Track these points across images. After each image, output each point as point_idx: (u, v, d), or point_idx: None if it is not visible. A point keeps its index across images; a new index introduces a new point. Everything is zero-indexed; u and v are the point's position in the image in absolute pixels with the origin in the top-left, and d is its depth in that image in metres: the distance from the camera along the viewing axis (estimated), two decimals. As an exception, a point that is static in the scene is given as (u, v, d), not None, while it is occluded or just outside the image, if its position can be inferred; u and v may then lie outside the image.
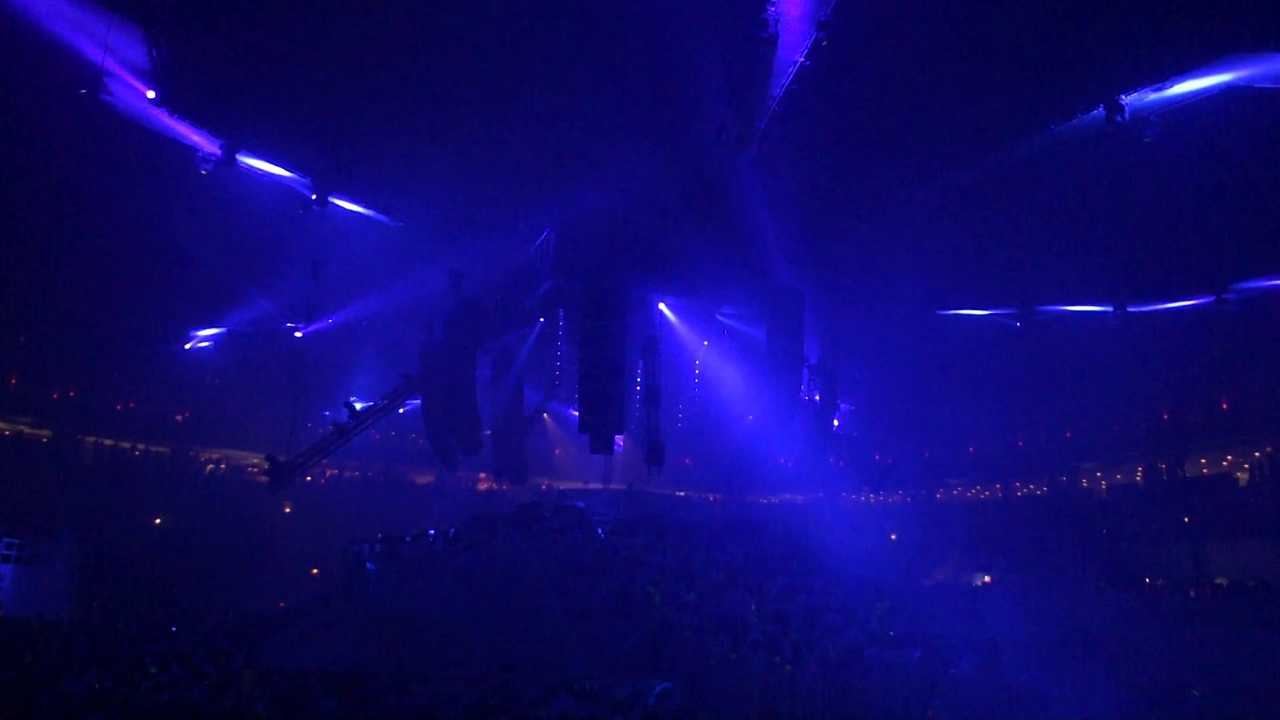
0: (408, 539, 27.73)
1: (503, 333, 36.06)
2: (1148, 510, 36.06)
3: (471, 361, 33.91)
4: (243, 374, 42.55)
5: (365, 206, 33.07)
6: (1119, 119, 23.32)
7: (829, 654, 20.03)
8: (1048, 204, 30.40)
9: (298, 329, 38.91)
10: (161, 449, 42.64)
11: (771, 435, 32.28)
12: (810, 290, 32.20)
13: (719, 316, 36.61)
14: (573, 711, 15.25)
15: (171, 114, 26.87)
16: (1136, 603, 26.83)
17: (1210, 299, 30.68)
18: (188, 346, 40.90)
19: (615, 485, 39.48)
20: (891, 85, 26.26)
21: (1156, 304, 32.40)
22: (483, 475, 44.34)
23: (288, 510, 40.75)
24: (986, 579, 33.90)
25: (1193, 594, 27.46)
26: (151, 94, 26.14)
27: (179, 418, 43.60)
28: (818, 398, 33.97)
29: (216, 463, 44.26)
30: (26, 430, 38.73)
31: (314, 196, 31.03)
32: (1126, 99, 23.24)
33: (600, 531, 29.02)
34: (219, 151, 28.38)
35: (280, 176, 30.71)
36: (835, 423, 35.45)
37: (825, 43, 21.16)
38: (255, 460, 40.79)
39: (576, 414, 30.21)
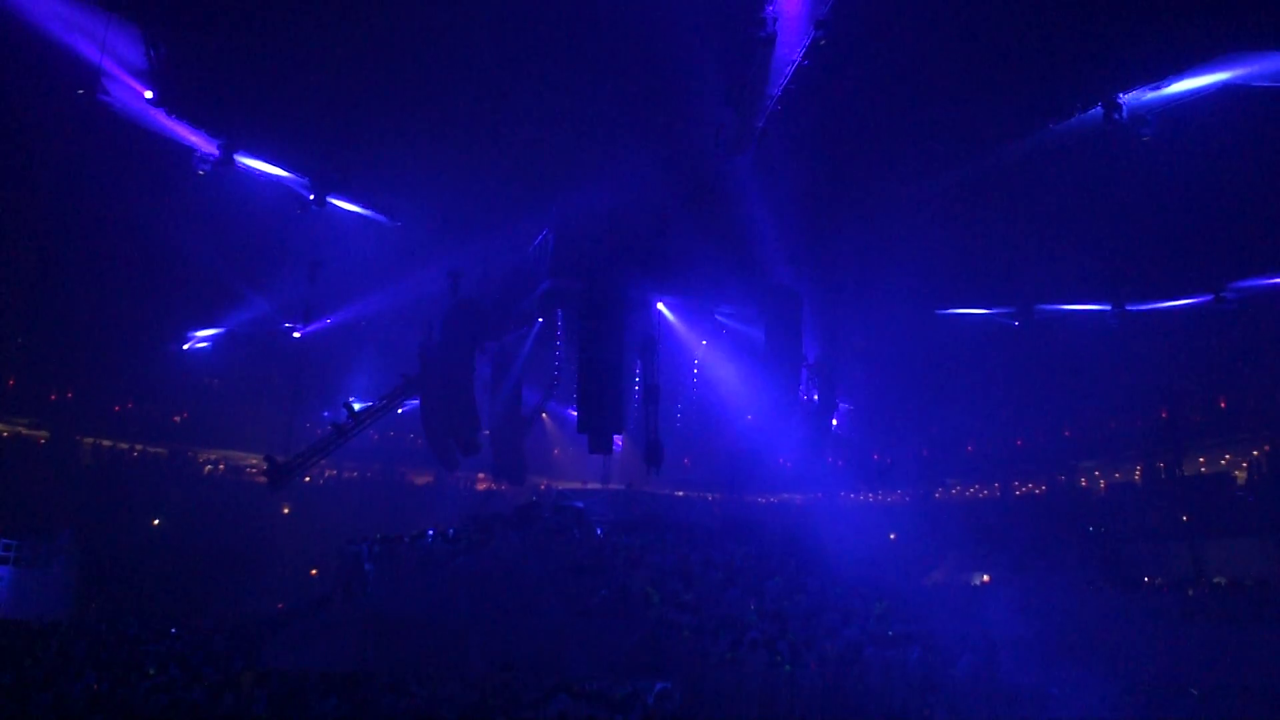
0: (406, 539, 27.71)
1: (501, 333, 36.05)
2: (1146, 509, 36.09)
3: (470, 362, 33.91)
4: (241, 375, 42.52)
5: (363, 207, 33.05)
6: (1117, 118, 23.36)
7: (828, 653, 20.02)
8: (1046, 203, 30.40)
9: (296, 329, 38.92)
10: (160, 450, 42.58)
11: (770, 435, 32.28)
12: (809, 290, 32.23)
13: (717, 316, 36.62)
14: (571, 712, 15.23)
15: (169, 114, 26.86)
16: (1135, 601, 26.86)
17: (1208, 298, 30.74)
18: (186, 347, 40.89)
19: (614, 485, 39.45)
20: (889, 85, 26.26)
21: (1155, 303, 32.45)
22: (481, 475, 44.33)
23: (286, 511, 40.71)
24: (985, 578, 33.91)
25: (1191, 592, 27.46)
26: (149, 94, 26.13)
27: (177, 418, 43.54)
28: (816, 397, 34.00)
29: (215, 463, 44.21)
30: (24, 431, 38.68)
31: (312, 197, 31.00)
32: (1124, 98, 23.29)
33: (599, 531, 29.00)
34: (217, 151, 28.37)
35: (278, 176, 30.70)
36: (834, 422, 35.49)
37: (823, 42, 21.16)
38: (254, 461, 40.75)
39: (575, 414, 30.21)
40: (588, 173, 30.91)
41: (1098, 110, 23.81)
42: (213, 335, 40.58)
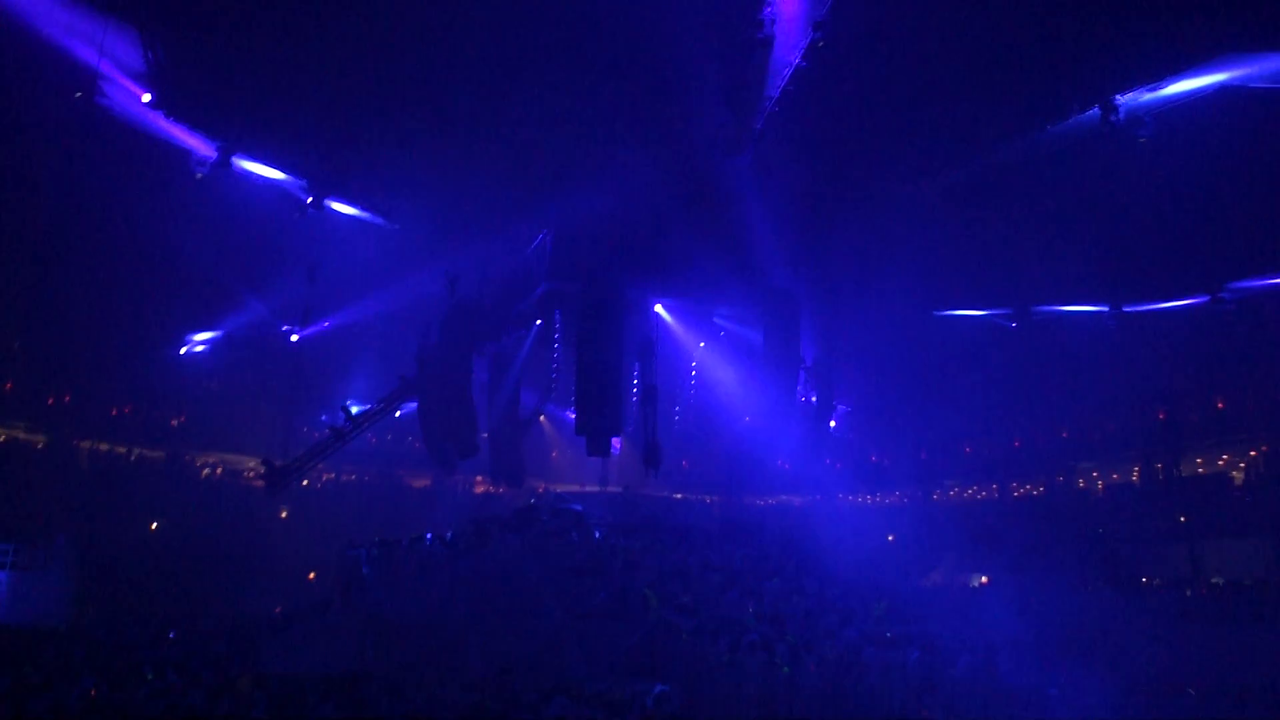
0: (404, 543, 27.69)
1: (499, 335, 36.04)
2: (1144, 510, 36.09)
3: (468, 364, 33.89)
4: (239, 378, 42.45)
5: (361, 209, 33.04)
6: (1114, 119, 23.37)
7: (826, 655, 20.02)
8: (1043, 204, 30.44)
9: (294, 332, 38.90)
10: (157, 454, 42.48)
11: (768, 437, 32.29)
12: (807, 291, 32.25)
13: (715, 319, 36.63)
14: (570, 714, 15.23)
15: (167, 117, 26.85)
16: (1133, 602, 26.88)
17: (1206, 298, 30.78)
18: (183, 351, 40.83)
19: (612, 488, 39.45)
20: (887, 86, 26.27)
21: (1152, 304, 32.50)
22: (479, 478, 44.29)
23: (284, 515, 40.65)
24: (983, 579, 33.92)
25: (1189, 593, 27.50)
26: (147, 97, 26.13)
27: (175, 422, 43.44)
28: (814, 399, 34.01)
29: (213, 467, 44.12)
30: (21, 436, 38.58)
31: (310, 199, 31.01)
32: (1121, 99, 23.30)
33: (597, 534, 28.99)
34: (215, 154, 28.37)
35: (276, 179, 30.68)
36: (832, 424, 35.50)
37: (821, 44, 21.18)
38: (251, 464, 40.64)
39: (573, 416, 30.19)
40: (586, 175, 30.91)
41: (1094, 111, 23.83)
42: (210, 338, 40.53)
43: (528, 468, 38.59)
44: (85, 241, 33.50)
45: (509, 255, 35.23)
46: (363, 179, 31.90)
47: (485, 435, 35.95)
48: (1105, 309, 33.15)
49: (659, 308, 34.58)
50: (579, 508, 31.37)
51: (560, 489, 40.09)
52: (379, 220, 33.69)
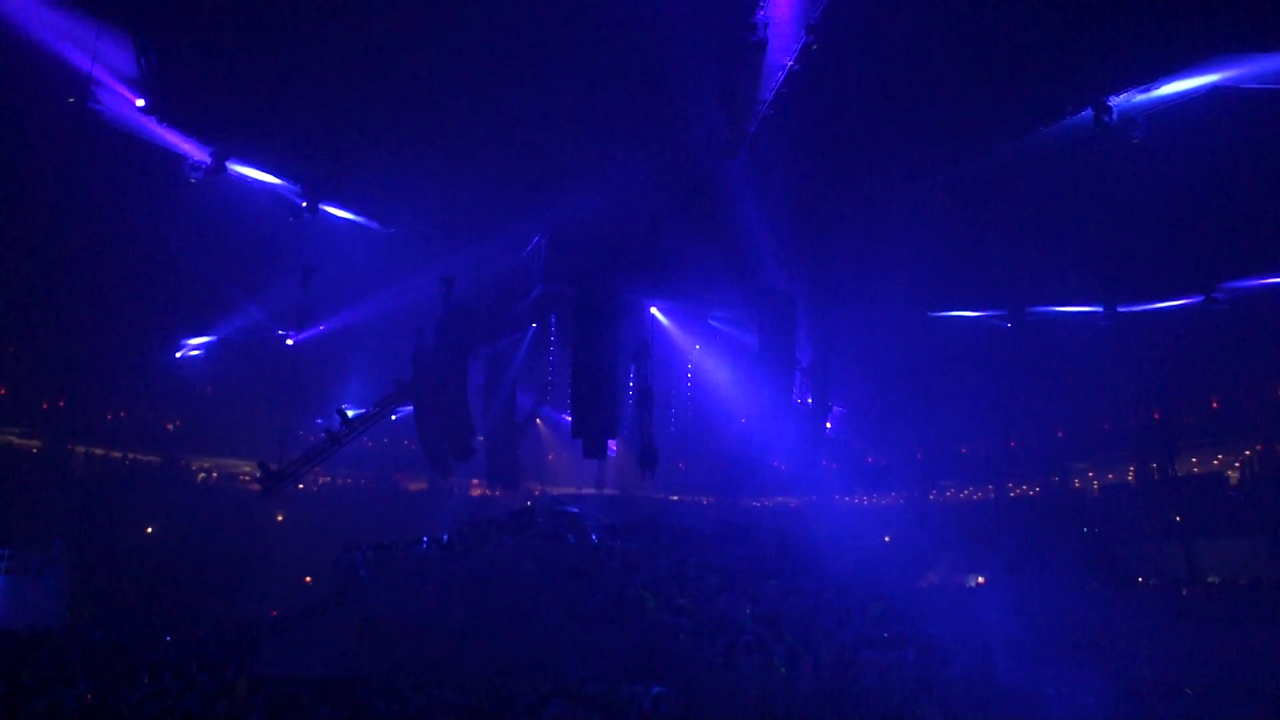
0: (401, 546, 27.68)
1: (495, 338, 36.05)
2: (1139, 509, 36.17)
3: (464, 367, 33.89)
4: (234, 382, 42.37)
5: (356, 213, 33.00)
6: (1107, 120, 23.42)
7: (824, 656, 20.03)
8: (1037, 205, 30.51)
9: (289, 336, 38.85)
10: (152, 458, 42.45)
11: (765, 438, 32.33)
12: (802, 293, 32.27)
13: (711, 321, 36.67)
14: (567, 716, 15.21)
15: (161, 122, 26.80)
16: (1129, 602, 26.95)
17: (1200, 298, 30.86)
18: (178, 355, 40.79)
19: (608, 490, 39.49)
20: (880, 88, 26.32)
21: (1146, 304, 32.56)
22: (476, 481, 44.27)
23: (280, 518, 40.63)
24: (980, 579, 33.97)
25: (1185, 592, 27.59)
26: (141, 102, 26.07)
27: (170, 426, 43.41)
28: (810, 400, 34.03)
29: (208, 471, 44.09)
30: (16, 440, 38.53)
31: (304, 204, 30.97)
32: (1114, 100, 23.35)
33: (594, 536, 28.99)
34: (209, 159, 28.30)
35: (270, 184, 30.66)
36: (828, 425, 35.51)
37: (815, 47, 21.21)
38: (247, 468, 40.63)
39: (569, 419, 30.21)
40: (580, 177, 30.94)
41: (1087, 112, 23.89)
42: (205, 343, 40.49)
43: (524, 470, 38.59)
44: (80, 246, 33.48)
45: (504, 258, 35.23)
46: (357, 183, 31.87)
47: (481, 438, 35.94)
48: (1100, 309, 33.22)
49: (654, 310, 34.65)
50: (575, 510, 31.38)
51: (557, 491, 40.16)
52: (374, 224, 33.66)
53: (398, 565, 26.15)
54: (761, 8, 20.96)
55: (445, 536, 28.87)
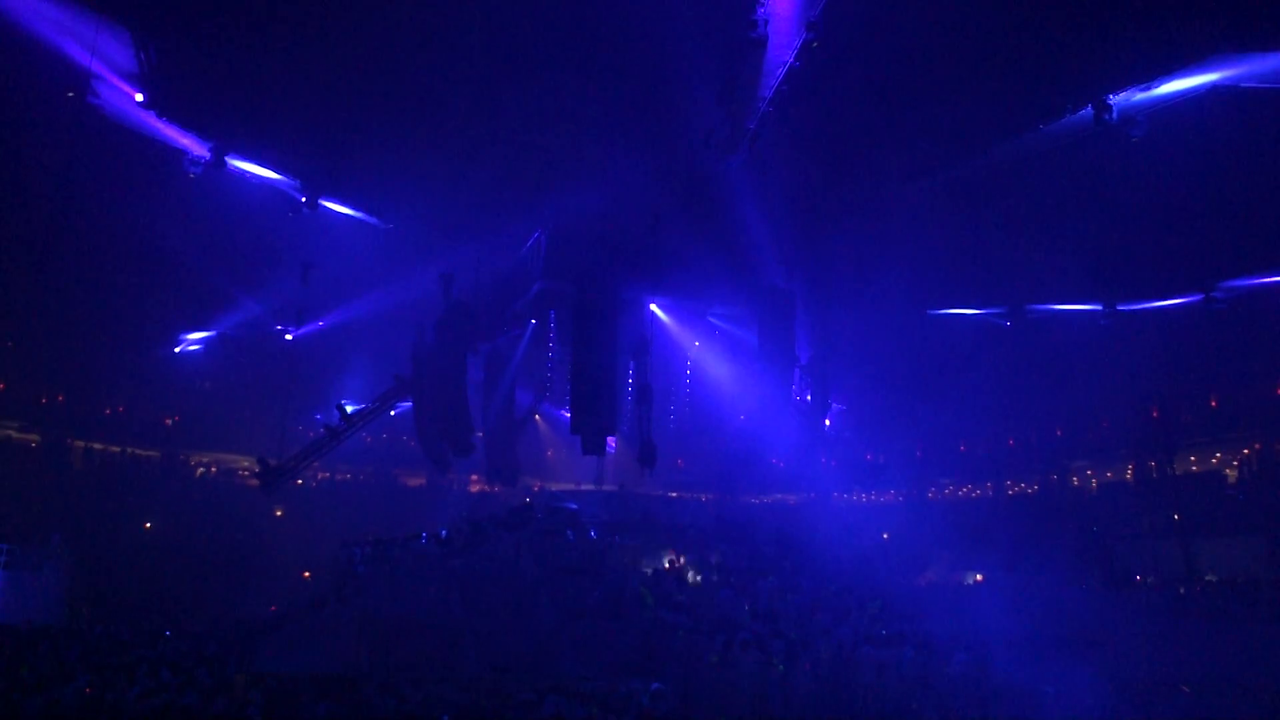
0: (399, 542, 27.68)
1: (494, 335, 36.02)
2: (1138, 507, 36.22)
3: (463, 364, 33.86)
4: (233, 377, 42.40)
5: (355, 209, 33.01)
6: (1107, 118, 23.40)
7: (821, 653, 20.05)
8: (1037, 204, 30.52)
9: (288, 332, 38.86)
10: (151, 453, 42.47)
11: (763, 435, 32.33)
12: (801, 290, 32.26)
13: (710, 318, 36.65)
14: (565, 712, 15.22)
15: (160, 117, 26.76)
16: (1128, 600, 26.97)
17: (1199, 297, 30.86)
18: (177, 350, 40.78)
19: (607, 486, 39.44)
20: (881, 86, 26.35)
21: (1146, 303, 32.57)
22: (475, 477, 44.28)
23: (279, 514, 40.63)
24: (978, 577, 33.99)
25: (1183, 590, 27.61)
26: (140, 97, 26.03)
27: (169, 421, 43.42)
28: (809, 397, 34.02)
29: (207, 466, 44.10)
30: (15, 435, 38.54)
31: (304, 199, 30.97)
32: (1114, 99, 23.32)
33: (592, 533, 29.00)
34: (208, 154, 28.28)
35: (270, 179, 30.64)
36: (827, 422, 35.50)
37: (815, 44, 21.18)
38: (246, 464, 40.62)
39: (568, 415, 30.20)
40: (580, 174, 30.93)
41: (1088, 111, 23.86)
42: (204, 338, 40.49)
43: (523, 467, 38.58)
44: (79, 241, 33.39)
45: (504, 254, 35.22)
46: (357, 178, 31.88)
47: (480, 434, 35.93)
48: (1099, 308, 33.22)
49: (654, 307, 34.57)
50: (574, 506, 31.36)
51: (555, 488, 40.08)
52: (373, 220, 33.67)
53: (396, 561, 26.15)
54: (761, 5, 20.96)
55: (444, 532, 28.88)
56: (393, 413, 37.55)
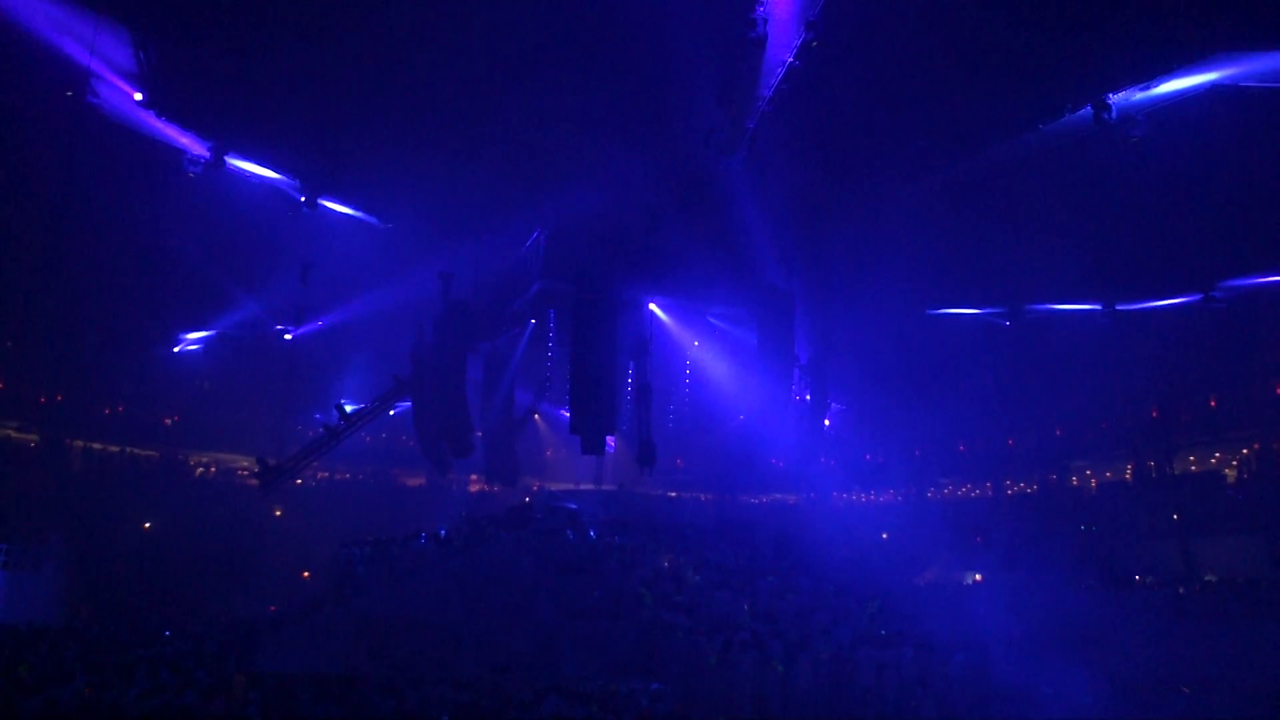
0: (399, 541, 27.67)
1: (493, 334, 36.01)
2: (1137, 507, 36.20)
3: (462, 363, 33.83)
4: (232, 377, 42.33)
5: (354, 208, 33.00)
6: (1106, 118, 23.40)
7: (820, 653, 20.05)
8: (1037, 204, 30.53)
9: (287, 331, 38.83)
10: (150, 453, 42.41)
11: (763, 435, 32.32)
12: (801, 290, 32.27)
13: (710, 318, 36.64)
14: (565, 712, 15.23)
15: (159, 116, 26.75)
16: (1127, 600, 26.96)
17: (1198, 297, 30.86)
18: (176, 350, 40.73)
19: (607, 486, 39.47)
20: (880, 85, 26.34)
21: (1145, 302, 32.57)
22: (474, 477, 44.26)
23: (278, 513, 40.59)
24: (977, 577, 34.00)
25: (1182, 590, 27.58)
26: (139, 96, 26.01)
27: (168, 421, 43.37)
28: (808, 397, 34.03)
29: (206, 466, 44.05)
30: (13, 435, 38.47)
31: (303, 199, 30.97)
32: (1114, 98, 23.33)
33: (592, 533, 29.01)
34: (207, 154, 28.27)
35: (269, 178, 30.63)
36: (826, 422, 35.52)
37: (815, 44, 21.17)
38: (245, 463, 40.59)
39: (568, 415, 30.19)
40: (579, 173, 30.90)
41: (1087, 110, 23.87)
42: (203, 337, 40.43)
43: (522, 466, 38.59)
44: (78, 241, 33.40)
45: (503, 254, 35.21)
46: (356, 178, 31.87)
47: (480, 434, 35.92)
48: (1098, 308, 33.22)
49: (653, 306, 34.57)
50: (574, 506, 31.39)
51: (555, 487, 40.12)
52: (373, 219, 33.67)
53: (396, 561, 26.14)
54: (761, 4, 20.94)
55: (443, 532, 28.89)
56: (392, 412, 37.54)
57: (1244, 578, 28.14)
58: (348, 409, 34.11)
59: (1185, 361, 34.67)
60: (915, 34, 24.15)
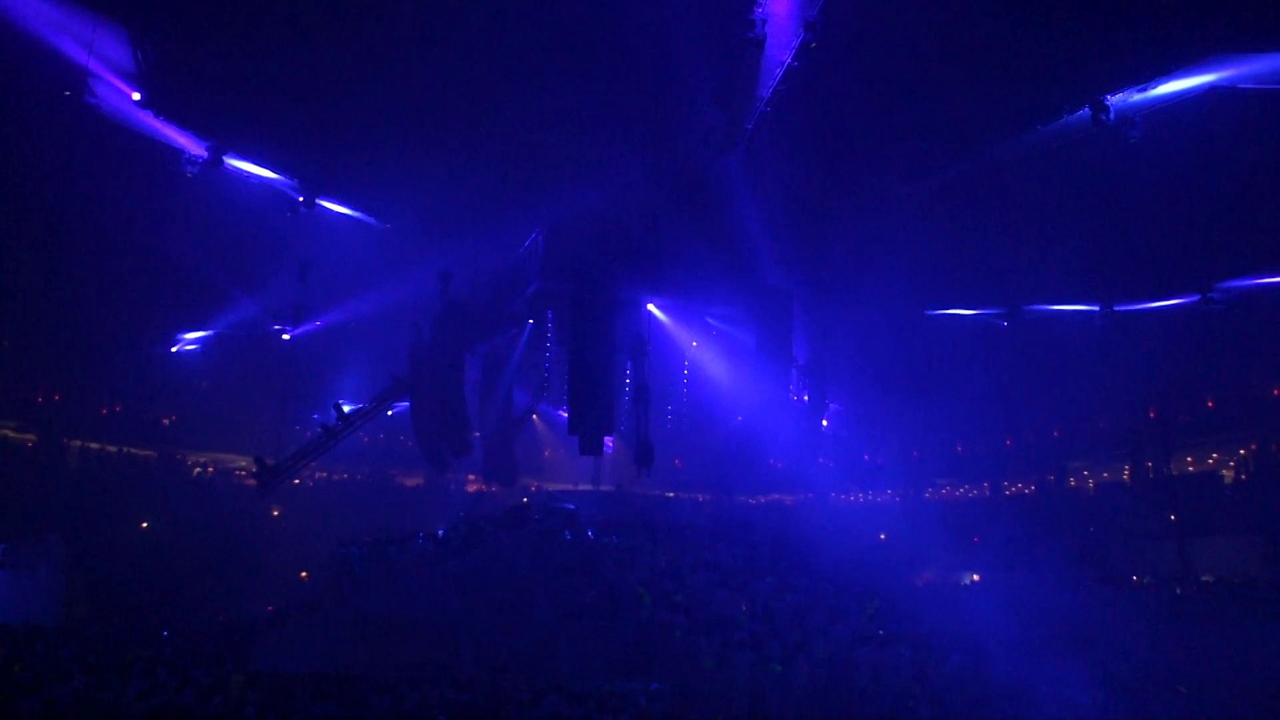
0: (397, 541, 27.66)
1: (491, 334, 36.01)
2: (1134, 508, 36.28)
3: (460, 363, 33.83)
4: (230, 377, 42.32)
5: (353, 208, 32.99)
6: (1104, 119, 23.41)
7: (818, 653, 20.07)
8: (1034, 204, 30.54)
9: (285, 331, 38.80)
10: (148, 452, 42.39)
11: (761, 435, 32.33)
12: (799, 290, 32.28)
13: (708, 318, 36.66)
14: (563, 712, 15.26)
15: (157, 116, 26.71)
16: (1124, 600, 27.00)
17: (1195, 298, 30.89)
18: (174, 349, 40.70)
19: (604, 486, 39.48)
20: (878, 86, 26.34)
21: (1142, 303, 32.59)
22: (472, 477, 44.23)
23: (276, 513, 40.57)
24: (975, 577, 34.03)
25: (1179, 590, 27.64)
26: (137, 96, 25.96)
27: (166, 421, 43.36)
28: (806, 398, 34.05)
29: (204, 466, 44.04)
30: (11, 434, 38.45)
31: (301, 198, 30.95)
32: (1112, 99, 23.34)
33: (590, 533, 29.02)
34: (205, 153, 28.23)
35: (267, 178, 30.61)
36: (824, 423, 35.53)
37: (814, 44, 21.18)
38: (243, 463, 40.56)
39: (566, 415, 30.19)
40: (577, 173, 30.90)
41: (1085, 111, 23.88)
42: (201, 337, 40.41)
43: (520, 466, 38.55)
44: (75, 241, 33.37)
45: (501, 254, 35.19)
46: (354, 178, 31.86)
47: (478, 434, 35.91)
48: (1096, 308, 33.24)
49: (651, 306, 34.57)
50: (571, 506, 31.39)
51: (553, 488, 40.11)
52: (371, 219, 33.66)
53: (393, 561, 26.14)
54: (759, 4, 20.93)
55: (441, 532, 28.89)
56: (390, 412, 37.50)
57: (1240, 578, 28.19)
58: (346, 409, 34.09)
59: (1183, 362, 34.69)
60: (913, 35, 24.14)
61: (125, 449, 41.57)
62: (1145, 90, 23.00)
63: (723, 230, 31.23)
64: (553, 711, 15.24)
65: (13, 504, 32.98)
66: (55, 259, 33.72)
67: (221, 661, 19.59)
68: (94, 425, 40.75)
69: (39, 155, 28.93)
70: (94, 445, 40.70)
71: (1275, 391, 34.74)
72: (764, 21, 21.14)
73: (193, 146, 28.10)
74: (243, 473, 40.99)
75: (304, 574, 35.97)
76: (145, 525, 38.74)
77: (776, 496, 45.75)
